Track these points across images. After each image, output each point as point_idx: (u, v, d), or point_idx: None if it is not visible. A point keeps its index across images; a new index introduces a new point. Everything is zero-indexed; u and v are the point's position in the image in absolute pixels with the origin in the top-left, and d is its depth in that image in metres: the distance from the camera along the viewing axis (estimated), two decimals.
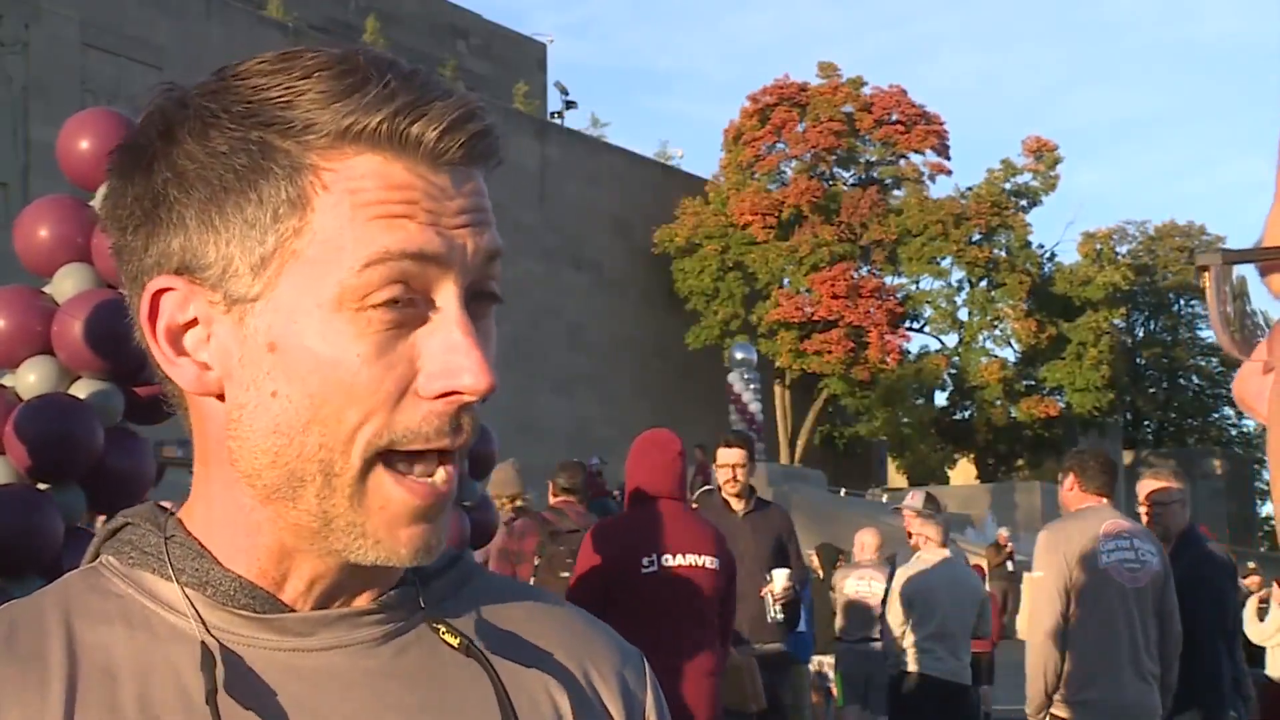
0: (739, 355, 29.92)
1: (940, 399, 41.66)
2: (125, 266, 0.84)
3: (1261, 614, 10.23)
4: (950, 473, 40.64)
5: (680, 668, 4.56)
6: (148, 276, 0.82)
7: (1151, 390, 49.61)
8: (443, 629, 0.85)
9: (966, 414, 41.16)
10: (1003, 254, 38.77)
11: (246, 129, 0.79)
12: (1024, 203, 39.58)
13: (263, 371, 0.79)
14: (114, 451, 3.86)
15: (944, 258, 38.69)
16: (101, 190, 3.80)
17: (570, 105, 38.41)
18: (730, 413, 29.51)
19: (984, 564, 17.85)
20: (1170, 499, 5.56)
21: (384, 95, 0.78)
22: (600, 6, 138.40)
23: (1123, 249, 44.31)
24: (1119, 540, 5.13)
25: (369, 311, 0.78)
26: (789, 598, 6.67)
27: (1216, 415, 50.81)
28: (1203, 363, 49.56)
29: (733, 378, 29.60)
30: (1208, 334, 49.14)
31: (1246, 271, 0.57)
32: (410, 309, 0.79)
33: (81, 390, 3.82)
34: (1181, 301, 48.76)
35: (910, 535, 8.14)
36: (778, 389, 37.69)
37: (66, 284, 3.79)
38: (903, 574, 8.22)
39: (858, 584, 10.03)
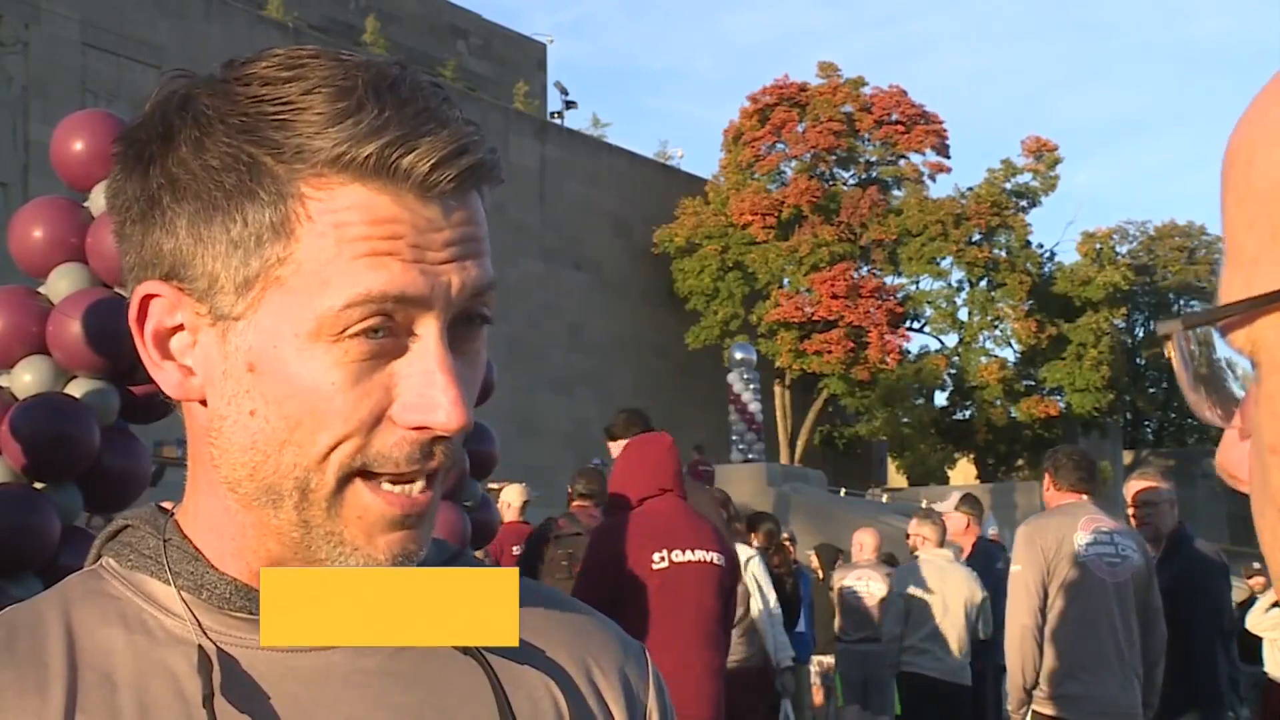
0: (739, 355, 29.91)
1: (940, 399, 41.68)
2: (124, 255, 0.85)
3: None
4: (950, 473, 40.62)
5: (689, 664, 4.56)
6: (142, 272, 0.83)
7: (1151, 390, 49.58)
8: None
9: (966, 414, 41.16)
10: (1003, 254, 38.77)
11: (239, 145, 0.78)
12: (1024, 203, 39.58)
13: (242, 389, 0.80)
14: (110, 450, 3.86)
15: (944, 258, 38.68)
16: (97, 190, 3.81)
17: (570, 105, 38.42)
18: (730, 413, 29.52)
19: None
20: (1158, 499, 5.56)
21: (377, 125, 0.77)
22: (596, 5, 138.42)
23: (1123, 249, 44.30)
24: (1098, 535, 5.13)
25: (347, 341, 0.78)
26: None
27: None
28: None
29: (732, 378, 29.59)
30: None
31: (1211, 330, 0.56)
32: (390, 338, 0.79)
33: (77, 390, 3.82)
34: (1181, 302, 48.75)
35: (908, 536, 8.15)
36: (778, 389, 37.69)
37: (61, 284, 3.79)
38: (902, 575, 8.23)
39: (858, 584, 10.04)
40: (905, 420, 38.27)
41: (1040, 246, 40.55)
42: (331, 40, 27.09)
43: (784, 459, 35.45)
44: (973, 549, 8.56)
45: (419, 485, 0.80)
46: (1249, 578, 12.76)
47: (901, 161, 39.67)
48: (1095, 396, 38.01)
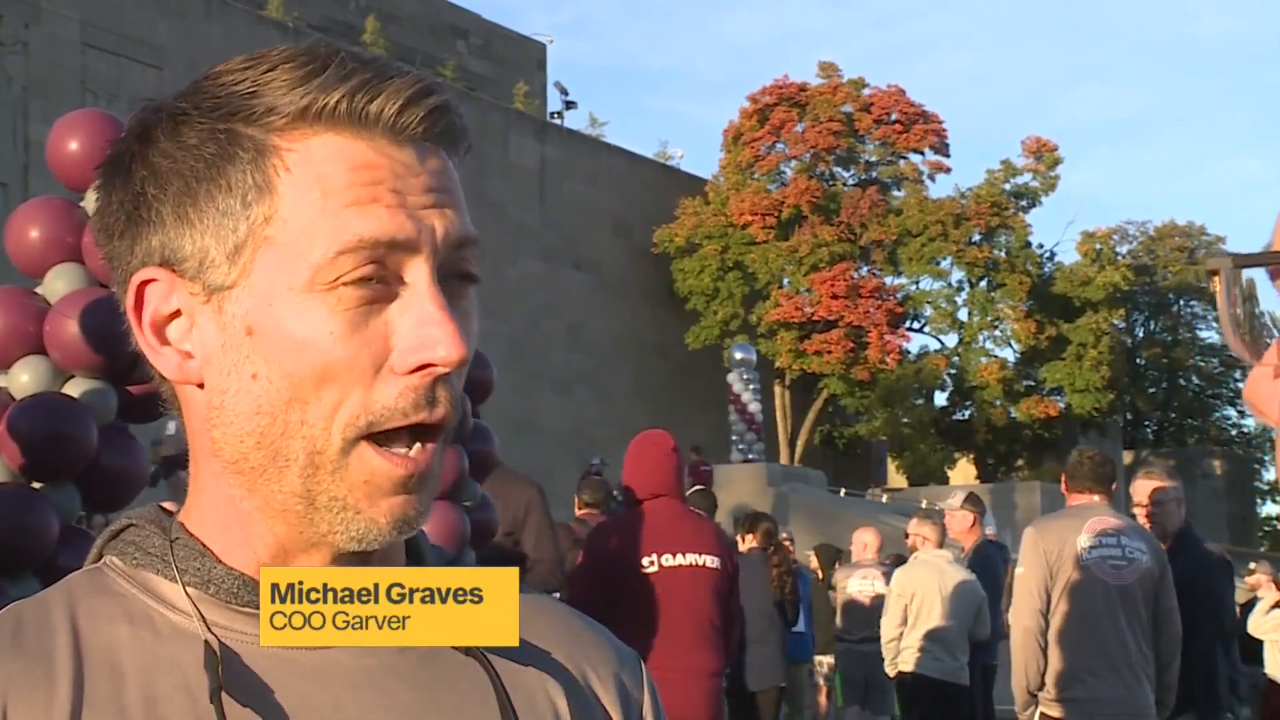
0: (739, 355, 29.91)
1: (940, 399, 41.68)
2: (116, 272, 0.86)
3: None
4: (950, 473, 40.61)
5: (682, 667, 4.56)
6: (132, 275, 0.84)
7: (1151, 390, 49.58)
8: None
9: (966, 414, 41.16)
10: (1002, 254, 38.77)
11: (214, 120, 0.81)
12: (1024, 203, 39.59)
13: (242, 355, 0.81)
14: (108, 450, 3.86)
15: (944, 258, 38.67)
16: (90, 197, 3.80)
17: (570, 105, 38.42)
18: (730, 413, 29.53)
19: None
20: (1165, 498, 5.56)
21: (341, 75, 0.80)
22: (596, 5, 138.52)
23: (1123, 249, 44.31)
24: (1104, 538, 5.12)
25: (341, 289, 0.79)
26: None
27: (1217, 415, 50.80)
28: (1203, 363, 49.55)
29: (732, 378, 29.60)
30: (1208, 334, 49.18)
31: (1256, 274, 0.57)
32: (382, 285, 0.80)
33: (75, 389, 3.83)
34: (1181, 302, 48.75)
35: (908, 536, 8.15)
36: (777, 389, 37.69)
37: (58, 284, 3.79)
38: (900, 574, 8.24)
39: (860, 583, 10.04)
40: (905, 420, 38.27)
41: (1040, 247, 40.56)
42: (330, 40, 27.02)
43: (784, 459, 35.45)
44: (975, 549, 8.57)
45: (419, 449, 0.81)
46: (1247, 577, 12.72)
47: (901, 161, 39.68)
48: (1095, 397, 38.02)
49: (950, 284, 39.76)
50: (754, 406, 29.17)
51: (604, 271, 35.62)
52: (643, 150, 39.77)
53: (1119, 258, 41.49)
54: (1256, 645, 10.33)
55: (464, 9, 36.37)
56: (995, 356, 39.62)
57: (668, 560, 4.65)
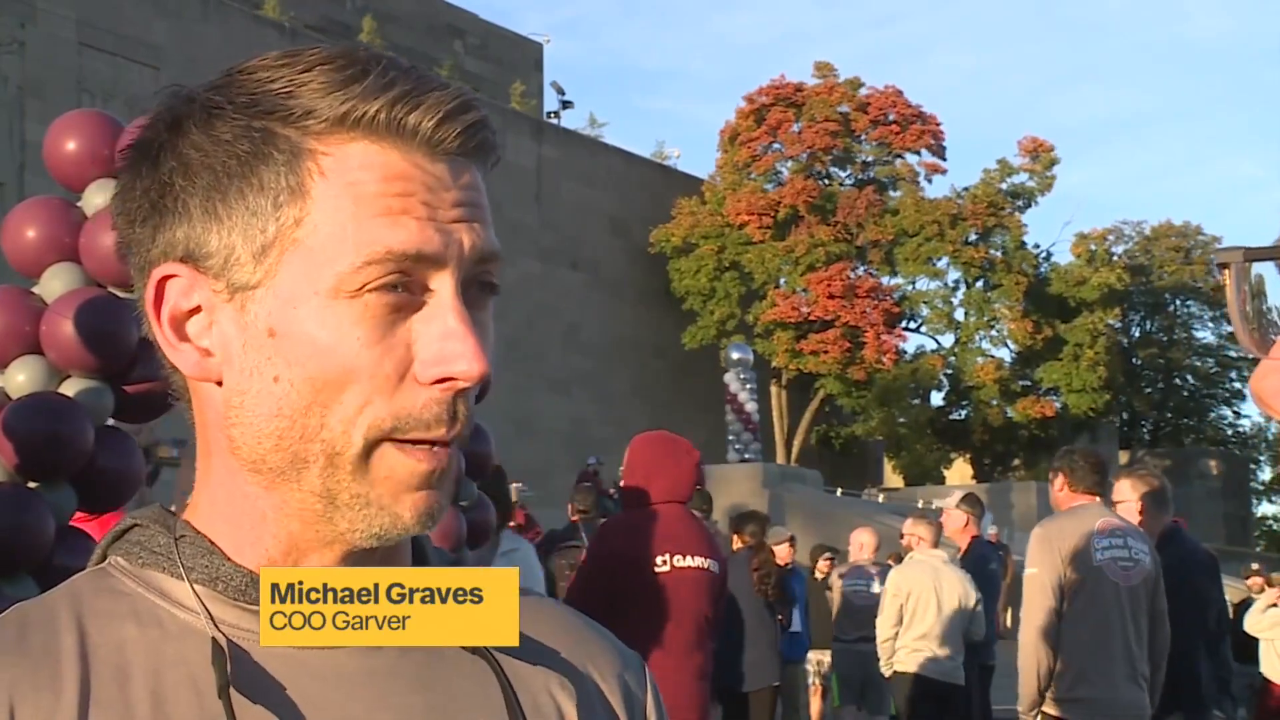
0: (735, 355, 29.91)
1: (936, 399, 41.72)
2: (133, 259, 0.85)
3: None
4: (946, 473, 40.65)
5: (680, 667, 4.58)
6: (154, 266, 0.83)
7: (1147, 390, 49.62)
8: None
9: (963, 414, 41.20)
10: (999, 254, 38.80)
11: (250, 117, 0.81)
12: (1020, 203, 39.61)
13: (264, 357, 0.80)
14: (104, 450, 3.86)
15: (940, 258, 38.71)
16: (90, 190, 3.80)
17: (567, 105, 38.47)
18: (726, 412, 29.52)
19: None
20: (1143, 499, 5.55)
21: (382, 84, 0.80)
22: (593, 5, 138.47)
23: (1119, 249, 44.33)
24: (1112, 538, 5.12)
25: (366, 296, 0.79)
26: None
27: (1213, 415, 50.85)
28: (1198, 363, 49.59)
29: (729, 377, 29.60)
30: (1204, 334, 49.24)
31: (1265, 269, 0.57)
32: (407, 294, 0.80)
33: (71, 389, 3.82)
34: (1177, 302, 48.79)
35: (903, 536, 8.16)
36: (774, 389, 37.70)
37: (55, 284, 3.78)
38: (895, 574, 8.25)
39: (858, 583, 10.05)
40: (901, 420, 38.29)
41: (1037, 247, 40.60)
42: (328, 40, 27.07)
43: (780, 459, 35.48)
44: (968, 548, 8.57)
45: (439, 447, 0.81)
46: (1246, 578, 12.76)
47: (897, 161, 39.70)
48: (1091, 397, 38.06)
49: (946, 284, 39.82)
50: (750, 406, 29.17)
51: (601, 271, 35.63)
52: (640, 150, 39.85)
53: (1115, 258, 41.53)
54: (1252, 644, 10.35)
55: (461, 9, 36.37)
56: (992, 356, 39.66)
57: (679, 561, 4.68)
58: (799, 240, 37.13)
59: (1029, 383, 39.87)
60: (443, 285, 0.80)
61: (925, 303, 39.87)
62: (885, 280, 38.99)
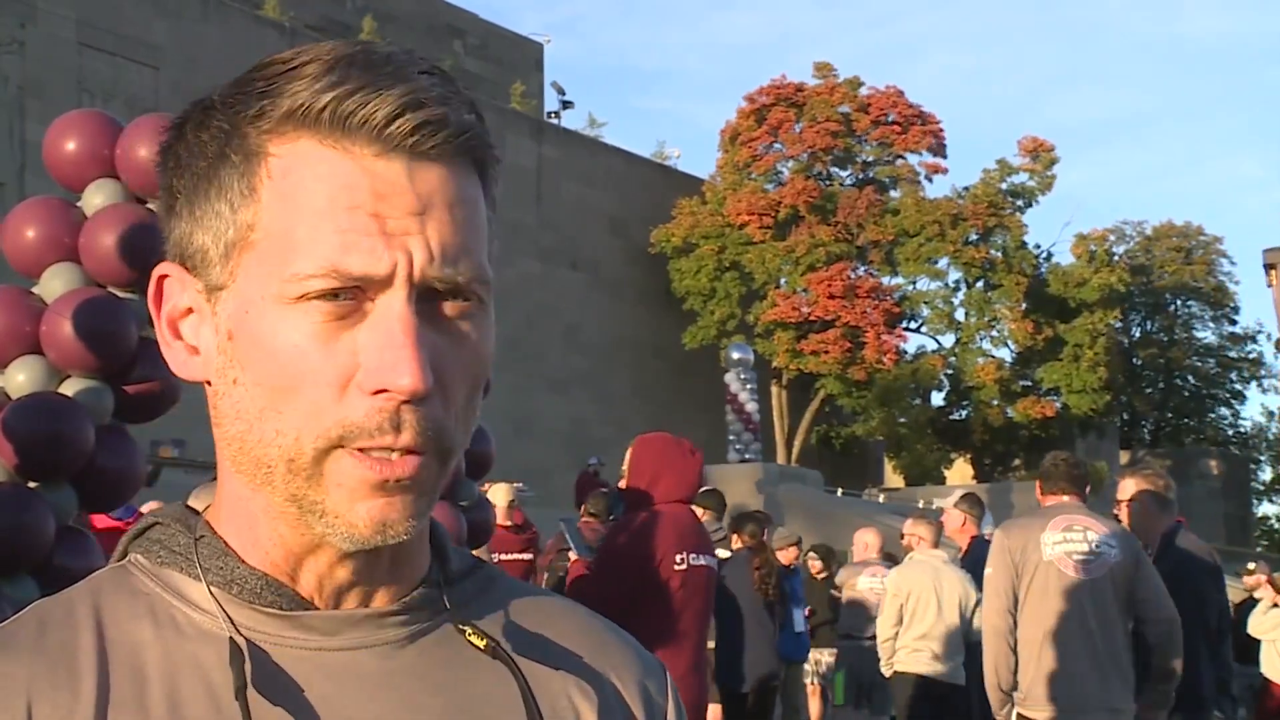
0: (736, 355, 29.91)
1: (937, 399, 41.68)
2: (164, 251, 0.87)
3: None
4: (947, 473, 40.63)
5: (688, 664, 4.66)
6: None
7: (1148, 391, 49.61)
8: (469, 630, 0.85)
9: (963, 414, 41.17)
10: (999, 254, 38.78)
11: (226, 117, 0.81)
12: (1020, 203, 39.59)
13: (227, 359, 0.81)
14: (104, 450, 3.86)
15: (941, 258, 38.67)
16: (89, 190, 3.80)
17: (567, 105, 38.43)
18: (727, 413, 29.52)
19: None
20: (1143, 498, 5.56)
21: (336, 80, 0.78)
22: (592, 5, 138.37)
23: (1119, 249, 44.32)
24: (1069, 533, 5.14)
25: (309, 303, 0.78)
26: None
27: (1213, 415, 50.84)
28: (1199, 363, 49.59)
29: (729, 378, 29.59)
30: (1204, 334, 49.25)
31: None
32: (352, 302, 0.78)
33: (71, 389, 3.82)
34: (1178, 302, 48.79)
35: (903, 536, 8.15)
36: (774, 389, 37.68)
37: (55, 284, 3.79)
38: (896, 575, 8.25)
39: (870, 581, 10.04)
40: (902, 420, 38.27)
41: (1037, 247, 40.57)
42: (328, 40, 26.95)
43: (781, 459, 35.46)
44: (968, 548, 8.57)
45: (398, 456, 0.78)
46: (1247, 577, 12.74)
47: (898, 161, 39.67)
48: (1092, 397, 38.03)
49: (947, 284, 39.77)
50: (751, 406, 29.16)
51: (601, 271, 35.62)
52: (640, 150, 39.83)
53: (1115, 258, 41.50)
54: (1252, 645, 10.34)
55: (461, 9, 36.36)
56: (992, 357, 39.62)
57: (694, 559, 4.76)
58: (799, 240, 37.12)
59: (1029, 383, 39.84)
60: (390, 298, 0.78)
61: (926, 303, 39.84)
62: (886, 280, 38.96)
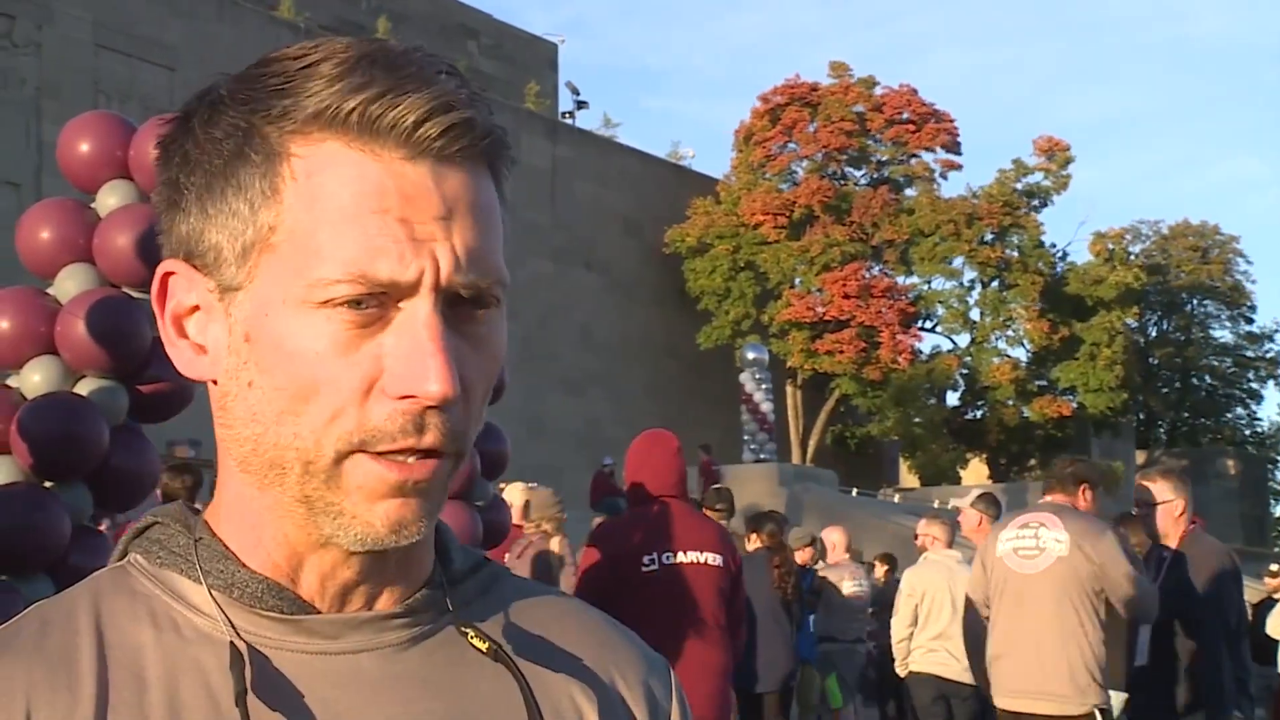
0: (750, 355, 29.87)
1: (952, 399, 41.59)
2: (162, 250, 0.86)
3: None
4: (962, 473, 40.53)
5: (687, 667, 4.58)
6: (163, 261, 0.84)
7: (1164, 390, 49.44)
8: (471, 633, 0.84)
9: (978, 414, 41.08)
10: (1015, 254, 38.68)
11: (241, 114, 0.79)
12: (1036, 202, 39.48)
13: (241, 361, 0.80)
14: (119, 450, 3.87)
15: (956, 258, 38.60)
16: (103, 191, 3.82)
17: (581, 105, 38.42)
18: (741, 413, 29.50)
19: None
20: (1148, 499, 5.54)
21: (361, 83, 0.77)
22: (607, 4, 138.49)
23: (1136, 248, 44.16)
24: (1022, 530, 5.35)
25: (332, 309, 0.77)
26: None
27: (1230, 415, 50.64)
28: (1216, 362, 49.40)
29: (744, 378, 29.56)
30: (1220, 334, 49.06)
31: None
32: (377, 309, 0.77)
33: (85, 389, 3.84)
34: (1195, 301, 48.60)
35: (916, 536, 8.14)
36: (789, 389, 37.64)
37: (69, 284, 3.81)
38: (910, 575, 8.23)
39: (850, 583, 10.06)
40: (917, 420, 38.18)
41: (1053, 246, 40.46)
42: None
43: (796, 459, 35.43)
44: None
45: (416, 458, 0.79)
46: (1271, 578, 12.69)
47: (913, 160, 39.59)
48: (1108, 397, 37.91)
49: (962, 284, 39.69)
50: (766, 406, 29.12)
51: (615, 272, 35.61)
52: (654, 150, 39.82)
53: (1132, 257, 41.36)
54: (1270, 645, 10.30)
55: (475, 9, 36.39)
56: (1008, 356, 39.52)
57: (668, 559, 4.68)
58: (814, 240, 37.07)
59: (1045, 382, 39.73)
60: (416, 303, 0.77)
61: (941, 302, 39.77)
62: (901, 280, 38.89)
